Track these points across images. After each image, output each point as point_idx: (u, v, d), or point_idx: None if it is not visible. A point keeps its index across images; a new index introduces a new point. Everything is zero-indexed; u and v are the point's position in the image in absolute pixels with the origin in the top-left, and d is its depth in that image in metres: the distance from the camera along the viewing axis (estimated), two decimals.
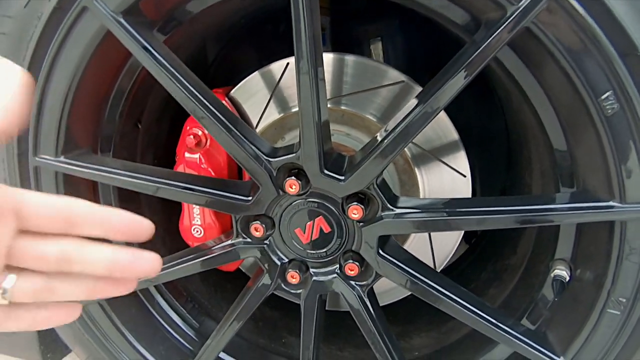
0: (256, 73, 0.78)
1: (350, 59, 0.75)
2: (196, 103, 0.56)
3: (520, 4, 0.43)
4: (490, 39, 0.45)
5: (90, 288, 0.31)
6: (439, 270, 0.80)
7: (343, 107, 0.77)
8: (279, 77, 0.76)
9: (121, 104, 0.68)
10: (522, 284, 0.72)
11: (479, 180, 0.83)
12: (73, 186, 0.67)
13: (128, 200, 0.76)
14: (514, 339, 0.58)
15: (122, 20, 0.53)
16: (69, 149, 0.63)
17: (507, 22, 0.44)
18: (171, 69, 0.55)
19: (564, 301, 0.60)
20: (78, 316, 0.32)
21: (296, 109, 0.78)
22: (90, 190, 0.71)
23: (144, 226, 0.31)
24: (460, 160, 0.74)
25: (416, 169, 0.75)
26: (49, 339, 0.92)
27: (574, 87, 0.46)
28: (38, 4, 0.55)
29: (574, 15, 0.42)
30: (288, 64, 0.75)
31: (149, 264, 0.31)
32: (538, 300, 0.64)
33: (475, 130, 0.87)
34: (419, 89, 0.72)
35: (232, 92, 0.80)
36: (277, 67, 0.77)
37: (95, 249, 0.30)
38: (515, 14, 0.43)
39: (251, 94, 0.79)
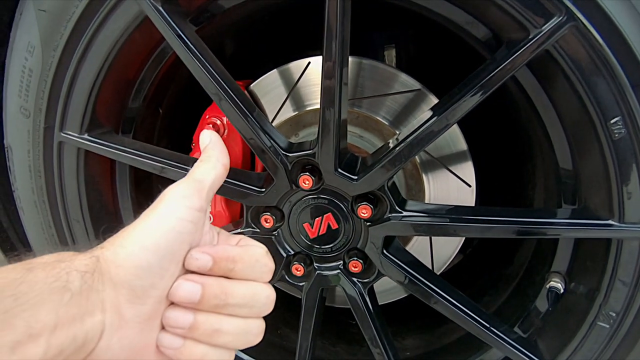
0: (275, 70, 0.80)
1: (367, 63, 0.77)
2: (221, 92, 0.58)
3: (544, 28, 0.46)
4: (511, 58, 0.47)
5: None
6: None
7: (357, 109, 0.79)
8: (298, 75, 0.78)
9: (146, 88, 0.69)
10: (516, 293, 0.74)
11: (483, 190, 0.86)
12: (92, 164, 0.69)
13: (142, 181, 0.78)
14: (506, 344, 0.60)
15: (161, 8, 0.55)
16: (93, 127, 0.65)
17: (529, 44, 0.46)
18: (201, 57, 0.57)
19: (556, 312, 0.62)
20: None
21: (312, 107, 0.80)
22: (107, 170, 0.72)
23: None
24: (467, 170, 0.76)
25: (424, 175, 0.78)
26: None
27: (585, 110, 0.48)
28: None
29: (593, 44, 0.45)
30: (309, 63, 0.77)
31: None
32: (531, 310, 0.67)
33: (484, 142, 0.89)
34: (432, 97, 0.75)
35: (251, 85, 0.81)
36: (296, 65, 0.79)
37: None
38: (538, 36, 0.46)
39: (269, 89, 0.81)
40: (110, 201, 0.74)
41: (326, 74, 0.53)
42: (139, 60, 0.65)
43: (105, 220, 0.74)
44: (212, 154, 0.41)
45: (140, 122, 0.73)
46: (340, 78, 0.53)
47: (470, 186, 0.77)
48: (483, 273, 0.89)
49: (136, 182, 0.77)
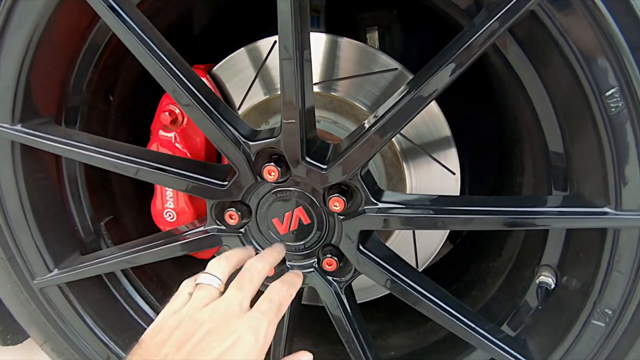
0: (242, 49, 0.73)
1: (343, 41, 0.71)
2: (169, 75, 0.51)
3: None
4: (491, 21, 0.41)
5: None
6: (421, 270, 0.77)
7: (332, 93, 0.72)
8: (265, 55, 0.72)
9: (89, 71, 0.62)
10: (505, 288, 0.70)
11: (469, 178, 0.81)
12: (33, 159, 0.62)
13: (96, 177, 0.71)
14: (491, 345, 0.56)
15: None
16: (28, 116, 0.58)
17: (510, 3, 0.40)
18: (143, 35, 0.50)
19: (547, 309, 0.58)
20: None
21: None
22: (52, 165, 0.66)
23: None
24: (451, 157, 0.71)
25: (404, 163, 0.72)
26: (9, 320, 0.87)
27: (577, 82, 0.42)
28: None
29: (586, 1, 0.39)
30: (276, 41, 0.70)
31: None
32: (520, 306, 0.63)
33: (468, 127, 0.84)
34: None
35: (214, 68, 0.75)
36: (264, 44, 0.72)
37: None
38: None
39: (235, 71, 0.75)
40: (59, 200, 0.68)
41: (283, 52, 0.47)
42: (76, 38, 0.58)
43: (54, 221, 0.67)
44: None
45: (87, 112, 0.66)
46: (300, 55, 0.47)
47: (454, 174, 0.72)
48: (470, 266, 0.85)
49: (88, 177, 0.70)
